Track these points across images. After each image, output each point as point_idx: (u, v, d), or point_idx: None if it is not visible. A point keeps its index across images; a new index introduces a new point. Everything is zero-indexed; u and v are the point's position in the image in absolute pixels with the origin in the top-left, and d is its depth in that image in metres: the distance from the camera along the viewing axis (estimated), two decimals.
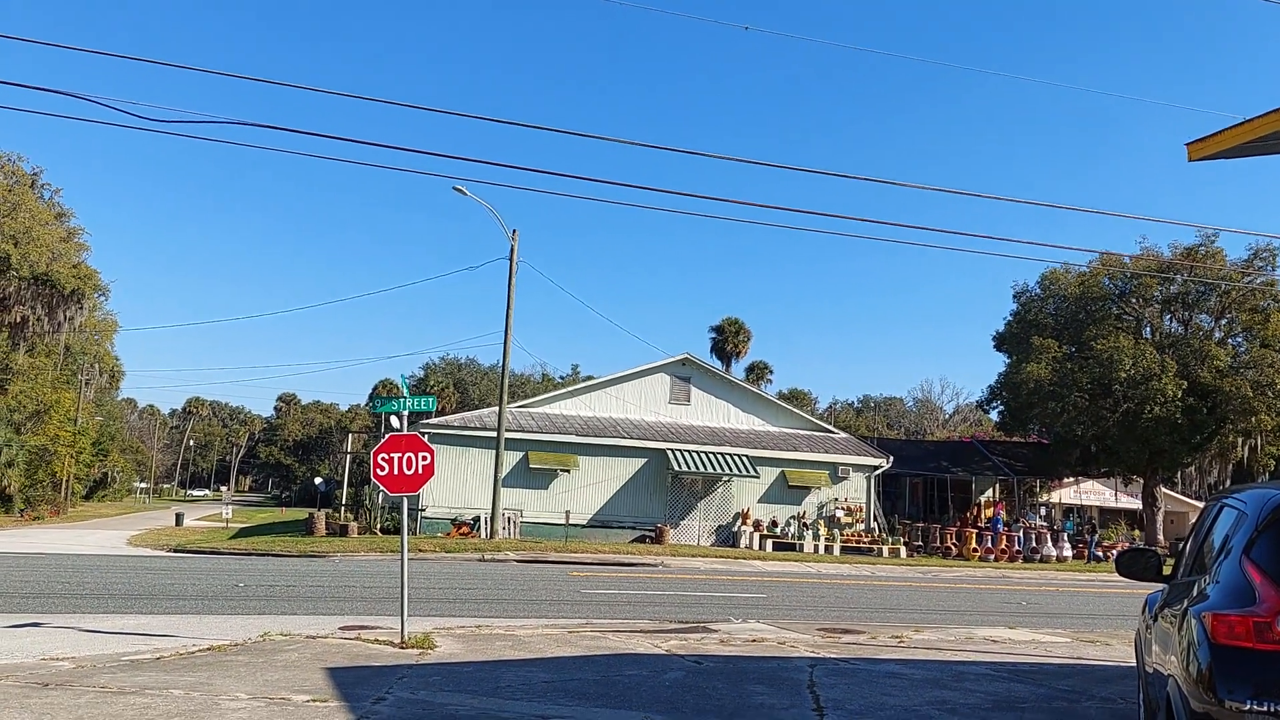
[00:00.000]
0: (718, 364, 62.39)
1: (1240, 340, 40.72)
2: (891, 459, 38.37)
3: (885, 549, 34.98)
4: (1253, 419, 37.64)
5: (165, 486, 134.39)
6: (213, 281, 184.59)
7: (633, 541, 33.58)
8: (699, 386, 38.91)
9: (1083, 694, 9.08)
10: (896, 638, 12.67)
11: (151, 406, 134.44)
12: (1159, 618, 5.54)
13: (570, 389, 40.76)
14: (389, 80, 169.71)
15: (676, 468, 34.42)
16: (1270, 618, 3.83)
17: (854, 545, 35.00)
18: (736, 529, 35.47)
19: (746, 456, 35.69)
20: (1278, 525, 4.21)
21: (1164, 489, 43.92)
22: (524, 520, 33.47)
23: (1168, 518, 43.71)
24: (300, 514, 54.61)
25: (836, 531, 35.42)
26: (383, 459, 10.69)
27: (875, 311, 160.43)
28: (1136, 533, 43.49)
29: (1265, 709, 3.73)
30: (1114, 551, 35.62)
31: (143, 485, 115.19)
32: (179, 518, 56.47)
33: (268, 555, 26.75)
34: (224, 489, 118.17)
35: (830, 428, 42.42)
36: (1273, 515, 4.24)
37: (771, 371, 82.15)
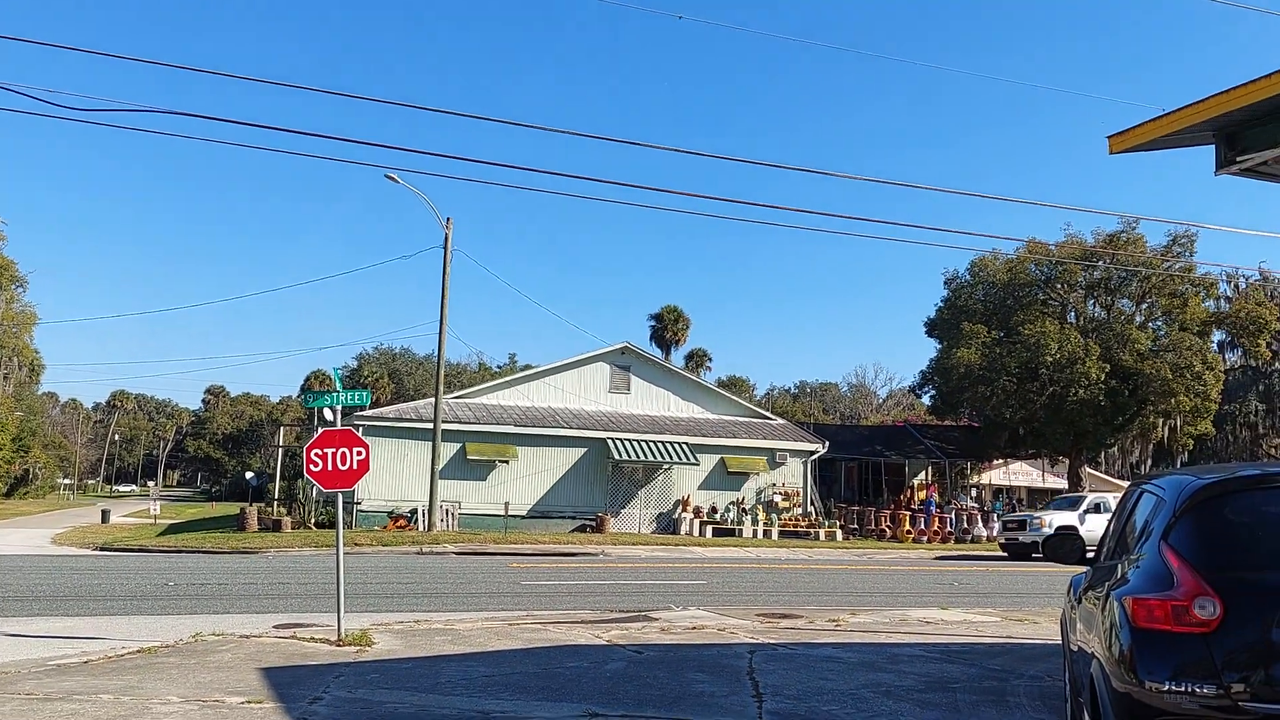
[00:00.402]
0: (657, 352, 62.55)
1: (1160, 324, 42.09)
2: (827, 444, 38.91)
3: (822, 532, 35.50)
4: (1172, 400, 38.93)
5: (90, 482, 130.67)
6: (138, 274, 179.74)
7: (573, 531, 33.57)
8: (639, 375, 38.97)
9: (1012, 673, 9.33)
10: (834, 621, 12.87)
11: (74, 400, 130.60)
12: (1083, 599, 5.71)
13: (508, 379, 40.54)
14: (339, 72, 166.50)
15: (617, 456, 34.47)
16: (1188, 601, 3.97)
17: (792, 529, 35.46)
18: (677, 516, 35.68)
19: (686, 444, 35.89)
20: (1194, 511, 4.36)
21: (1088, 469, 45.27)
22: (462, 512, 33.24)
23: None
24: (231, 509, 53.50)
25: (775, 516, 35.84)
26: (316, 455, 10.53)
27: (812, 299, 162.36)
28: None
29: (1183, 689, 3.87)
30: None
31: (66, 482, 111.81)
32: (105, 515, 54.94)
33: (198, 552, 26.18)
34: (151, 484, 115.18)
35: (768, 414, 42.84)
36: (1189, 501, 4.39)
37: (710, 359, 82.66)
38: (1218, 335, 46.19)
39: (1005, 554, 30.24)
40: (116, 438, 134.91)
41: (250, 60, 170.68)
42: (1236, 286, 46.92)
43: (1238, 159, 7.95)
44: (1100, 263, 41.11)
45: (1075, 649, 5.77)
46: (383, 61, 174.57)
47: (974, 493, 45.74)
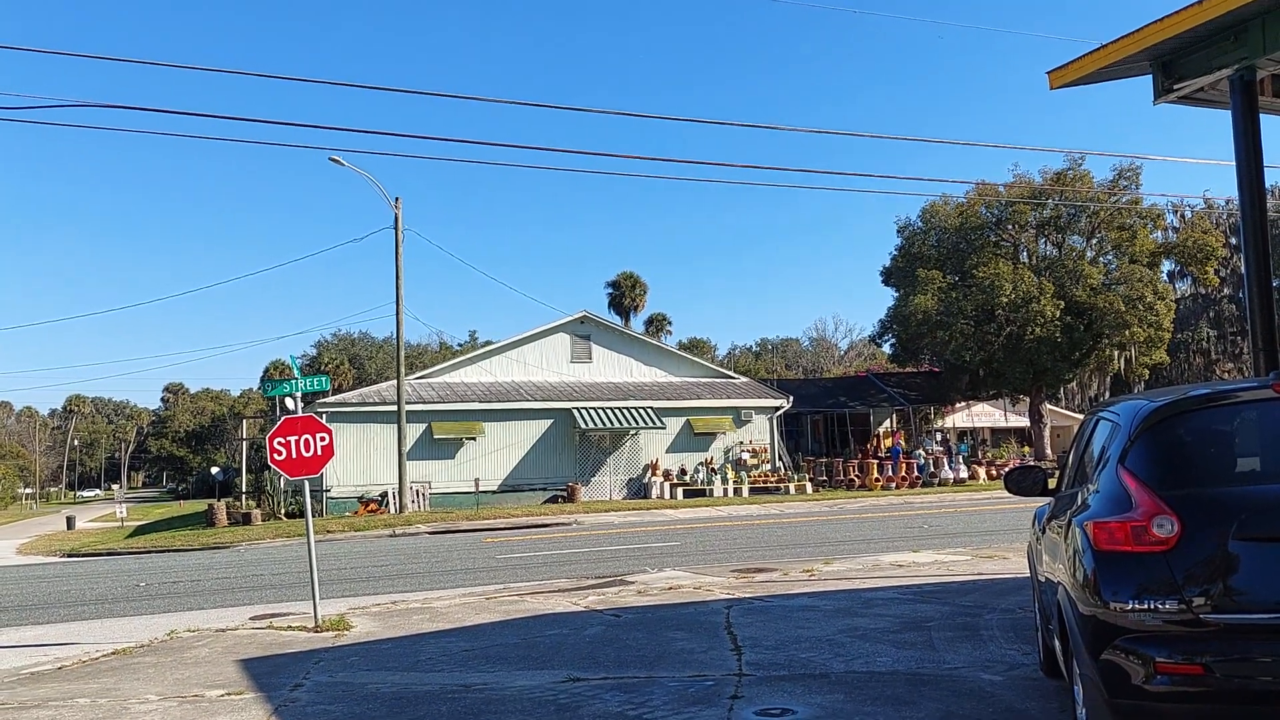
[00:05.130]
0: (617, 319, 62.50)
1: (1111, 258, 42.66)
2: (792, 399, 39.19)
3: (792, 487, 35.84)
4: (1126, 332, 39.59)
5: (52, 490, 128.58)
6: (84, 273, 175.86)
7: (545, 503, 33.62)
8: (600, 343, 38.93)
9: (984, 607, 9.52)
10: (808, 572, 13.03)
11: (29, 408, 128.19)
12: (1047, 529, 5.81)
13: (470, 356, 40.31)
14: (263, 53, 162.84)
15: (583, 425, 34.49)
16: (1146, 521, 4.05)
17: (761, 485, 35.76)
18: (647, 480, 35.84)
19: (651, 408, 35.97)
20: (1149, 434, 4.43)
21: (1049, 406, 45.97)
22: (433, 492, 33.14)
23: (1054, 432, 45.84)
24: (199, 506, 52.95)
25: (744, 474, 36.11)
26: (279, 443, 10.44)
27: (768, 256, 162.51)
28: (1026, 449, 45.52)
29: (1146, 606, 3.96)
30: (1005, 469, 37.21)
31: (28, 491, 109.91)
32: (70, 521, 54.21)
33: (168, 551, 25.91)
34: (116, 487, 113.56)
35: (731, 373, 43.05)
36: (1143, 425, 4.47)
37: (671, 323, 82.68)
38: (1167, 265, 46.98)
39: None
40: (76, 443, 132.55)
41: (187, 49, 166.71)
42: (1182, 216, 47.70)
43: (1174, 87, 8.05)
44: (1049, 201, 41.52)
45: (1043, 579, 5.87)
46: (309, 42, 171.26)
47: (939, 436, 46.37)
